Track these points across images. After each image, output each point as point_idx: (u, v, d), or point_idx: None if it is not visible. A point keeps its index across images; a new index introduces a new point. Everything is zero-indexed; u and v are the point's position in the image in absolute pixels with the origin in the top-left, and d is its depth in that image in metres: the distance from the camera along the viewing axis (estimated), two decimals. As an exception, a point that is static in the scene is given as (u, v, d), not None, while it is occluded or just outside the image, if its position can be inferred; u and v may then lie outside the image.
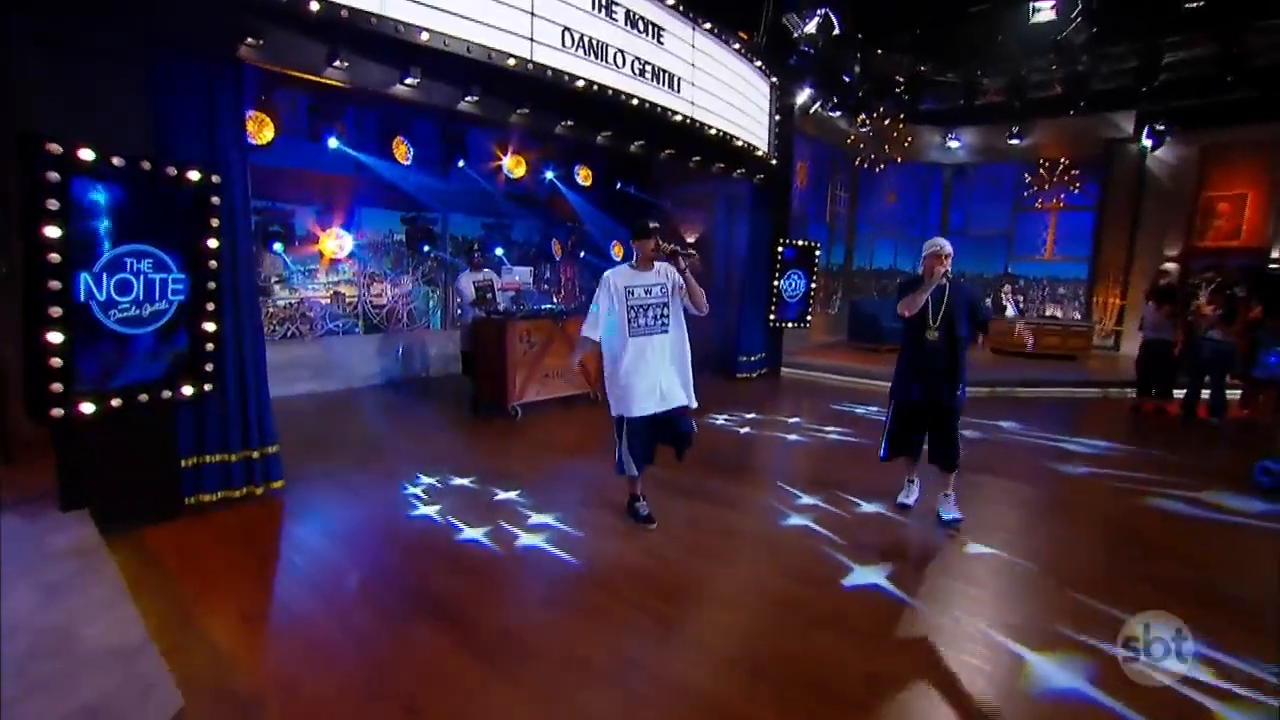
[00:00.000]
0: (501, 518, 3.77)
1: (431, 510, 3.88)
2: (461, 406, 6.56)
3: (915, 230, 13.91)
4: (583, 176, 8.38)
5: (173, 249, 3.21)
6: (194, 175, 3.20)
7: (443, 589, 2.96)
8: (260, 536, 3.46)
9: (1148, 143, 9.93)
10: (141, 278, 3.08)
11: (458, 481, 4.40)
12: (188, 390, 3.38)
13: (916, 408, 3.82)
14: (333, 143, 6.35)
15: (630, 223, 3.57)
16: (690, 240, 9.59)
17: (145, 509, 3.40)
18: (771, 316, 8.69)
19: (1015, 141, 11.46)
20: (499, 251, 8.60)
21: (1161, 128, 9.75)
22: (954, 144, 12.57)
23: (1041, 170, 11.59)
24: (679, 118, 6.01)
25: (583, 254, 9.82)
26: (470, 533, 3.56)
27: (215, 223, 3.35)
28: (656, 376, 3.40)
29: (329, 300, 7.71)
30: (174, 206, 3.18)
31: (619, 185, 8.97)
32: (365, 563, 3.23)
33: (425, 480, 4.40)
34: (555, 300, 8.76)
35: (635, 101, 5.47)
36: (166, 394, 3.28)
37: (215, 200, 3.32)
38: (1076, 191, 11.32)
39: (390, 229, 7.87)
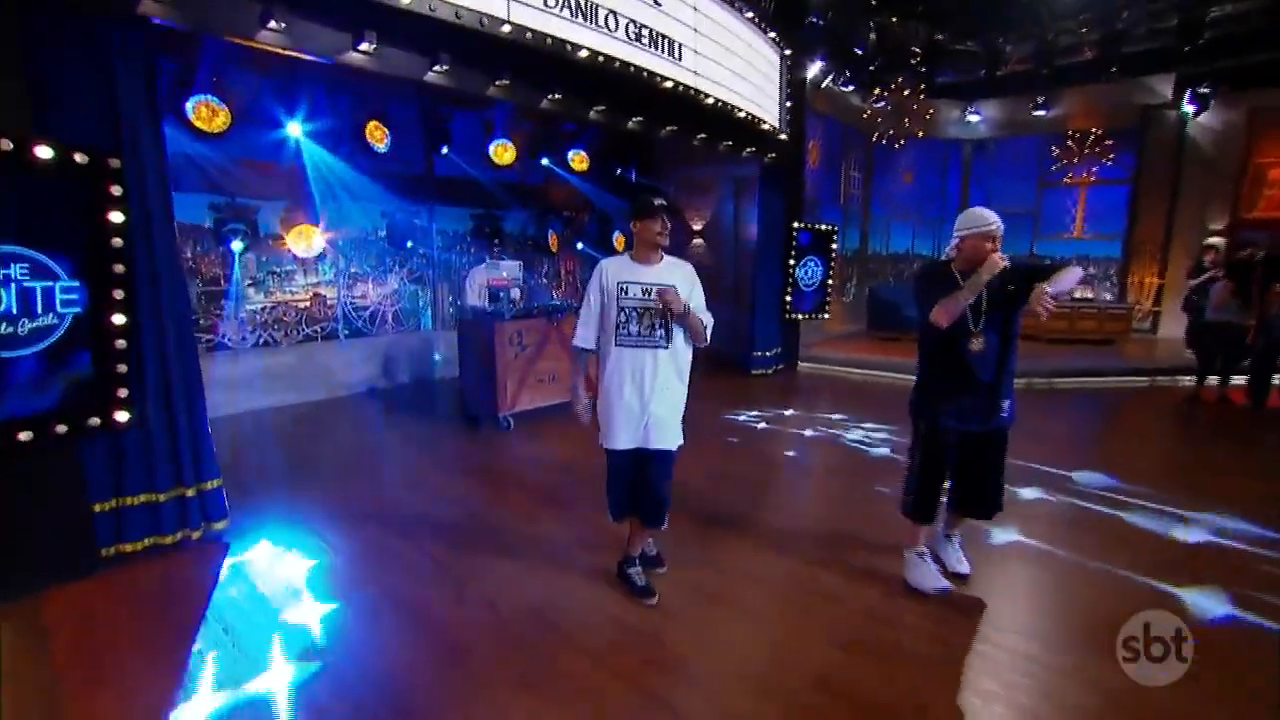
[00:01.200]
0: (482, 570, 3.17)
1: (407, 553, 3.29)
2: (450, 416, 5.98)
3: (933, 211, 13.18)
4: (577, 161, 7.72)
5: (58, 251, 2.60)
6: (81, 158, 2.59)
7: (405, 676, 2.36)
8: (186, 596, 2.87)
9: (1189, 108, 9.14)
10: (13, 286, 2.47)
11: (436, 514, 3.80)
12: (94, 422, 2.78)
13: (954, 438, 2.80)
14: (296, 129, 5.72)
15: (630, 200, 2.79)
16: (696, 228, 8.93)
17: (47, 566, 2.81)
18: (787, 307, 8.02)
19: (1041, 113, 10.67)
20: (495, 243, 7.98)
21: (1205, 91, 8.97)
22: (974, 118, 11.79)
23: (1070, 142, 10.81)
24: (680, 89, 5.34)
25: (580, 245, 9.17)
26: (439, 599, 2.96)
27: (117, 218, 2.74)
28: (646, 404, 2.60)
29: (309, 303, 7.14)
30: (57, 198, 2.57)
31: (619, 170, 8.31)
32: (315, 625, 2.64)
33: (397, 512, 3.82)
34: (555, 295, 8.12)
35: (631, 70, 4.80)
36: (63, 428, 2.68)
37: (115, 190, 2.71)
38: (1109, 164, 10.54)
39: (374, 224, 7.26)
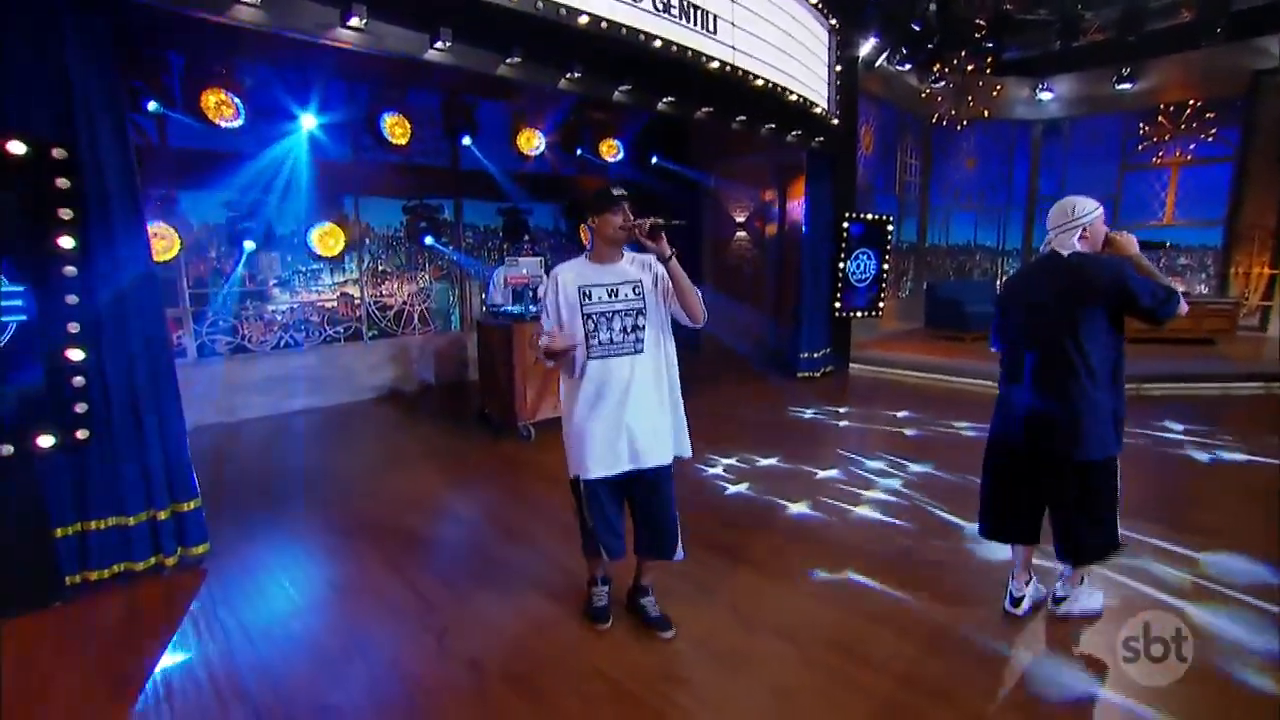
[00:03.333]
0: (472, 614, 2.78)
1: (394, 589, 2.93)
2: (471, 422, 5.66)
3: (998, 199, 12.20)
4: (609, 151, 7.28)
5: (-8, 251, 2.34)
6: (17, 148, 2.30)
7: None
8: (150, 632, 2.58)
9: (1310, 71, 7.97)
10: (-63, 293, 2.23)
11: (435, 538, 3.44)
12: (45, 441, 2.51)
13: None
14: (310, 121, 5.48)
15: (592, 196, 2.37)
16: (739, 220, 8.37)
17: (4, 596, 2.57)
18: (837, 305, 7.37)
19: (1126, 86, 9.58)
20: (527, 239, 7.63)
21: (1331, 51, 7.79)
22: (1045, 95, 10.74)
23: (1161, 118, 9.67)
24: (715, 64, 4.81)
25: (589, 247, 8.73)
26: (416, 650, 2.58)
27: (66, 214, 2.46)
28: (622, 419, 2.27)
29: (335, 304, 6.97)
30: (-9, 192, 2.30)
31: (654, 159, 7.83)
32: (285, 674, 2.30)
33: (398, 534, 3.47)
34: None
35: (658, 44, 4.32)
36: (8, 449, 2.42)
37: (63, 183, 2.43)
38: (1208, 140, 9.38)
39: (401, 220, 7.03)
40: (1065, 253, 2.38)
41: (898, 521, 3.55)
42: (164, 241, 5.18)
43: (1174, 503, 3.73)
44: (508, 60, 3.99)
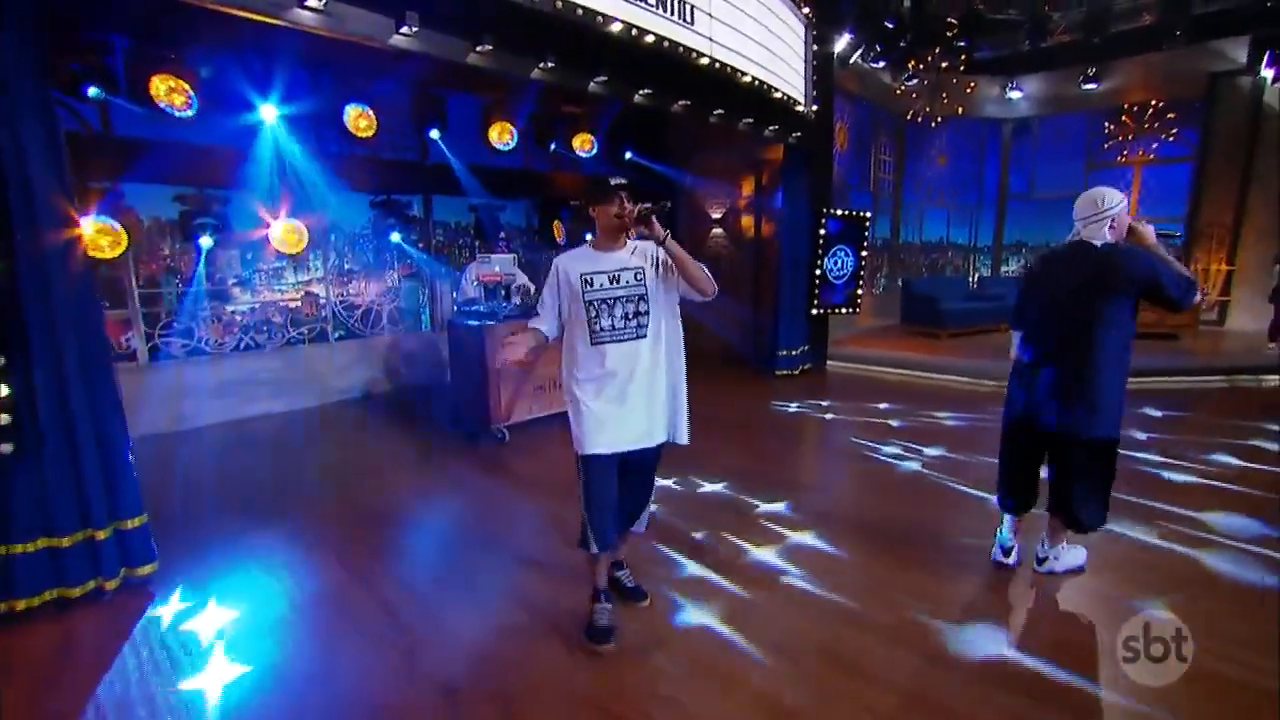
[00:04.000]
0: (444, 630, 2.60)
1: (361, 604, 2.74)
2: (443, 426, 5.45)
3: (970, 197, 12.35)
4: (582, 144, 7.10)
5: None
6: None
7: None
8: (85, 664, 2.35)
9: (1268, 73, 8.14)
10: None
11: (404, 548, 3.25)
12: (-38, 456, 2.27)
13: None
14: (271, 111, 5.20)
15: (591, 186, 2.46)
16: (715, 217, 8.27)
17: (-83, 631, 2.32)
18: (815, 302, 7.32)
19: (1091, 86, 9.74)
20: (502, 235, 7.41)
21: (1287, 53, 7.99)
22: (1015, 95, 10.87)
23: (1125, 118, 9.87)
24: (692, 55, 4.69)
25: (590, 237, 8.55)
26: (382, 672, 2.40)
27: (-23, 205, 2.22)
28: (625, 400, 2.32)
29: (299, 303, 6.68)
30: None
31: (628, 155, 7.68)
32: (238, 705, 2.09)
33: (365, 545, 3.27)
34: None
35: (633, 33, 4.18)
36: (-83, 466, 2.18)
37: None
38: (1170, 140, 9.60)
39: (364, 217, 6.77)
40: (1098, 243, 2.49)
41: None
42: (109, 237, 4.85)
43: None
44: (478, 48, 3.80)
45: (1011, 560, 2.93)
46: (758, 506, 3.67)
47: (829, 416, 5.68)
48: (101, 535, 2.66)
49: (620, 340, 2.29)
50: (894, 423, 5.37)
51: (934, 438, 4.90)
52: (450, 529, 3.58)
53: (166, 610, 2.70)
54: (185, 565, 3.04)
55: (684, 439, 2.46)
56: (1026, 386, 2.67)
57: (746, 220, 7.95)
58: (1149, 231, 2.52)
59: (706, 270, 2.33)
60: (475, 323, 4.86)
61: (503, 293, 5.14)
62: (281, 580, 2.98)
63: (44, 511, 2.55)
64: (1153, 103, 9.55)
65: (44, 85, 2.48)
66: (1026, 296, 2.80)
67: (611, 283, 2.29)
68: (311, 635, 2.56)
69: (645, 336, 2.31)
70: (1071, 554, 2.88)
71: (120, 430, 2.73)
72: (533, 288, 5.52)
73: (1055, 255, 2.69)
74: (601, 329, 2.28)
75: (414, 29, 3.42)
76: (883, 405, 5.82)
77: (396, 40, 3.45)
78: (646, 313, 2.31)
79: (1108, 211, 2.47)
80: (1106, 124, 10.07)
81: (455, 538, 3.46)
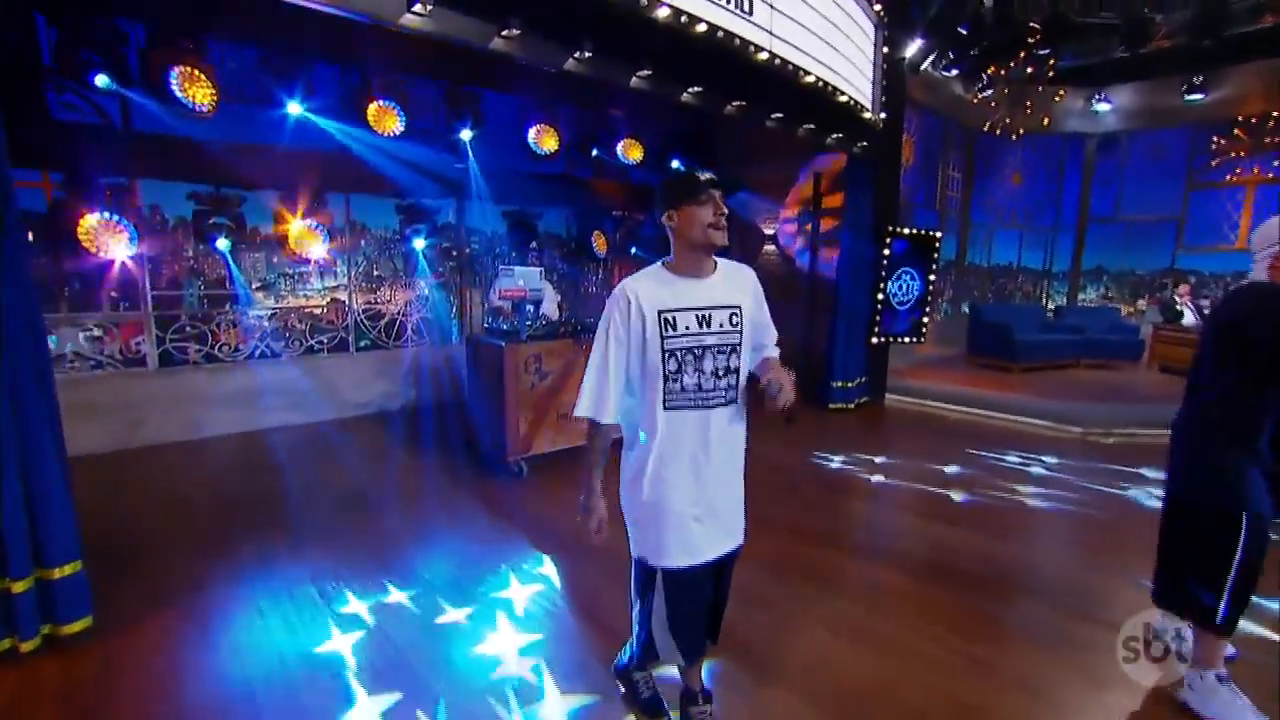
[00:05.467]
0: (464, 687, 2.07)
1: (346, 663, 2.25)
2: (459, 449, 4.99)
3: (1046, 218, 11.37)
4: (627, 151, 6.61)
5: None
6: None
7: None
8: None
9: None
10: None
11: (378, 610, 2.74)
12: None
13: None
14: (295, 108, 4.88)
15: (662, 182, 1.75)
16: (768, 233, 7.64)
17: None
18: (875, 329, 6.60)
19: (1197, 97, 8.75)
20: (533, 245, 7.00)
21: None
22: (1103, 107, 9.94)
23: (1239, 131, 8.79)
24: (749, 49, 4.12)
25: (635, 250, 8.04)
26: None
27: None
28: (710, 489, 1.71)
29: (323, 310, 6.38)
30: None
31: (675, 162, 7.15)
32: None
33: (350, 599, 2.78)
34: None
35: (683, 20, 3.64)
36: None
37: None
38: (1292, 157, 8.50)
39: (392, 221, 6.43)
40: (1245, 281, 2.05)
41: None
42: (121, 235, 4.60)
43: None
44: (504, 33, 3.33)
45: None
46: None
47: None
48: (19, 587, 2.24)
49: (708, 406, 1.67)
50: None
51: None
52: (454, 581, 3.05)
53: (94, 678, 2.26)
54: (138, 614, 2.62)
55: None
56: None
57: (802, 237, 7.30)
58: None
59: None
60: (495, 341, 4.38)
61: (530, 309, 4.66)
62: (249, 635, 2.50)
63: (-53, 559, 2.14)
64: (1273, 114, 8.45)
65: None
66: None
67: (701, 325, 1.64)
68: (274, 712, 2.07)
69: (735, 401, 1.72)
70: (1222, 702, 2.06)
71: (52, 457, 2.31)
72: (557, 304, 5.01)
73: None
74: (683, 388, 1.65)
75: (428, 7, 2.96)
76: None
77: (408, 20, 3.00)
78: (738, 370, 1.70)
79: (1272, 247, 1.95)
80: (1214, 139, 9.01)
81: (458, 592, 2.94)
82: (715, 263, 1.72)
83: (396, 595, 2.89)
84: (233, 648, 2.47)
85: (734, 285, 1.72)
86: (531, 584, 3.01)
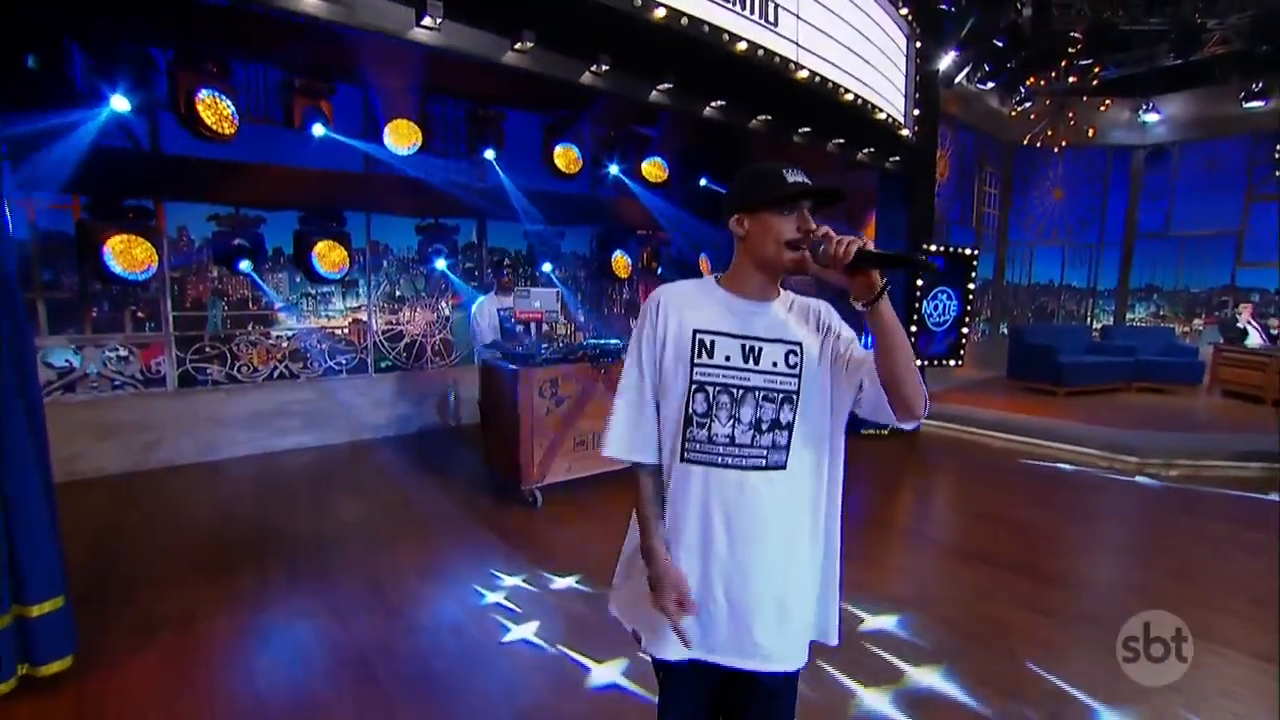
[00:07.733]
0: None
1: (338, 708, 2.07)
2: (474, 475, 4.84)
3: (1090, 234, 10.88)
4: (651, 171, 6.47)
5: None
6: None
7: None
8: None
9: None
10: None
11: (376, 658, 2.56)
12: None
13: None
14: (318, 129, 4.87)
15: (736, 176, 1.32)
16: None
17: None
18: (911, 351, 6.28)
19: (1258, 104, 8.27)
20: (547, 268, 6.89)
21: None
22: (1151, 117, 9.49)
23: (1304, 140, 8.29)
24: (775, 61, 3.95)
25: (660, 270, 7.88)
26: None
27: None
28: (731, 577, 1.27)
29: (345, 330, 6.37)
30: None
31: (704, 181, 6.99)
32: None
33: (344, 637, 2.61)
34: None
35: (705, 29, 3.49)
36: None
37: None
38: (1363, 168, 7.95)
39: (412, 241, 6.40)
40: None
41: None
42: (142, 252, 4.61)
43: None
44: (516, 45, 3.22)
45: None
46: None
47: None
48: (-3, 626, 2.13)
49: (740, 466, 1.25)
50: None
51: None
52: (462, 623, 2.87)
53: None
54: (125, 653, 2.48)
55: (832, 638, 1.37)
56: None
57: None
58: None
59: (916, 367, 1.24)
60: (509, 364, 4.23)
61: (545, 329, 4.53)
62: (239, 678, 2.35)
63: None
64: (1340, 124, 7.95)
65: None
66: None
67: (746, 358, 1.26)
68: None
69: (784, 467, 1.26)
70: None
71: (37, 493, 2.21)
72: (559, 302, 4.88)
73: None
74: (709, 437, 1.25)
75: (437, 20, 2.86)
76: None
77: (417, 34, 2.91)
78: (792, 425, 1.26)
79: None
80: (1278, 148, 8.50)
81: (451, 649, 2.75)
82: (782, 291, 1.34)
83: (393, 636, 2.71)
84: (215, 689, 2.32)
85: (800, 317, 1.32)
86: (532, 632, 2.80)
